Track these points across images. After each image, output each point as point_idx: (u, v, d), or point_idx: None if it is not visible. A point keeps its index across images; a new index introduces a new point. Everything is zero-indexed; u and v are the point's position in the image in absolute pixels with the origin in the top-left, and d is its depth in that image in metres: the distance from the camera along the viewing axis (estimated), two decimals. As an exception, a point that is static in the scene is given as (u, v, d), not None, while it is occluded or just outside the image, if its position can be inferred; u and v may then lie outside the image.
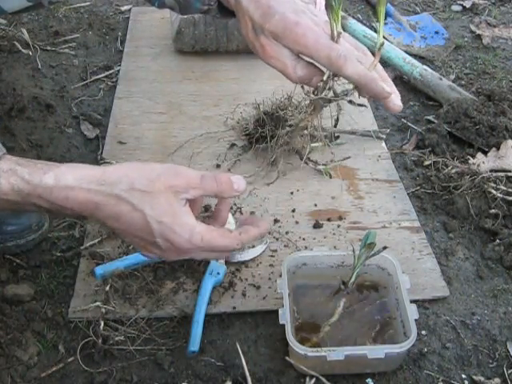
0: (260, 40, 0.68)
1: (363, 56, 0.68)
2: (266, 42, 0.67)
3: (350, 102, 1.08)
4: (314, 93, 0.71)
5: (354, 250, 0.74)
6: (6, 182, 0.56)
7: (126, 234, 0.62)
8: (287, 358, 0.70)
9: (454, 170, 1.00)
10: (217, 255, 0.67)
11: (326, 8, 0.68)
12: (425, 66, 1.25)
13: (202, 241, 0.60)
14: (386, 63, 1.31)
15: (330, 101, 0.70)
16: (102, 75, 1.26)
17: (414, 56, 1.33)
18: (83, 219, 0.60)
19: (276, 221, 0.92)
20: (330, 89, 0.71)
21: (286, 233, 0.90)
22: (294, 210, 0.94)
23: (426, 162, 1.05)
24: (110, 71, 1.28)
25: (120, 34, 1.40)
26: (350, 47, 0.68)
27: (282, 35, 0.66)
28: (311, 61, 0.68)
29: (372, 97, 0.68)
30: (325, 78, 0.69)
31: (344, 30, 1.53)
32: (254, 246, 0.86)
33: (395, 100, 0.67)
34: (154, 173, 0.59)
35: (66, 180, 0.58)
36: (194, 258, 0.65)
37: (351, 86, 0.71)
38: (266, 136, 1.00)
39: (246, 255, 0.85)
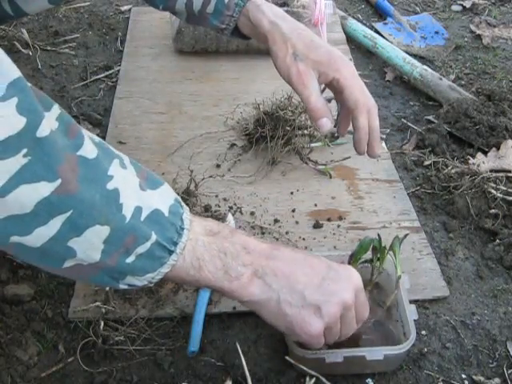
0: (298, 66, 0.76)
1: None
2: (304, 70, 0.76)
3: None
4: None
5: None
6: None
7: (295, 273, 0.60)
8: (287, 357, 0.70)
9: (453, 170, 1.00)
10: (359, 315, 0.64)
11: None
12: (425, 66, 1.25)
13: (362, 284, 0.64)
14: (385, 63, 1.31)
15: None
16: (102, 75, 1.26)
17: (414, 56, 1.33)
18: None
19: (276, 221, 0.92)
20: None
21: (286, 233, 0.90)
22: (294, 210, 0.94)
23: (426, 162, 1.05)
24: (110, 71, 1.28)
25: (120, 33, 1.40)
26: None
27: (327, 63, 0.76)
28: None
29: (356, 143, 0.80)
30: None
31: (344, 30, 1.53)
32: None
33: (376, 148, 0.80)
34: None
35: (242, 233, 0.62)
36: (347, 317, 0.62)
37: None
38: (266, 136, 1.00)
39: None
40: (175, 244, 0.55)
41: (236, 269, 0.58)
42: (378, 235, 0.76)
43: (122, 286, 0.55)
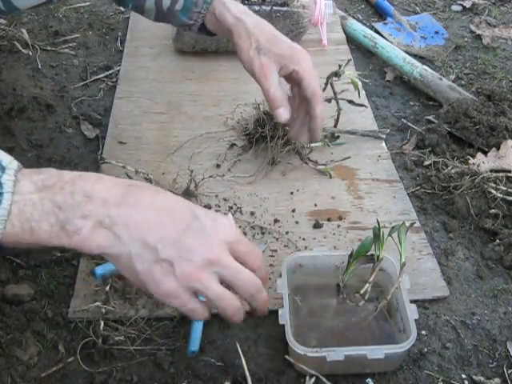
0: (261, 59, 0.81)
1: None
2: (266, 63, 0.81)
3: (350, 102, 1.08)
4: None
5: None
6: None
7: (151, 223, 0.54)
8: (287, 356, 0.70)
9: (453, 170, 0.99)
10: (245, 276, 0.58)
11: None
12: (425, 66, 1.24)
13: (238, 234, 0.58)
14: (385, 63, 1.31)
15: None
16: (102, 75, 1.26)
17: (414, 56, 1.33)
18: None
19: (276, 221, 0.92)
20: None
21: (286, 233, 0.90)
22: (294, 210, 0.94)
23: (426, 162, 1.05)
24: (110, 71, 1.28)
25: (120, 33, 1.40)
26: None
27: (289, 57, 0.82)
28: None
29: (312, 133, 0.88)
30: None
31: (344, 30, 1.53)
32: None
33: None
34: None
35: (92, 174, 0.56)
36: (222, 273, 0.56)
37: None
38: (266, 136, 1.00)
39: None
40: None
41: (73, 222, 0.53)
42: (377, 220, 0.77)
43: None
